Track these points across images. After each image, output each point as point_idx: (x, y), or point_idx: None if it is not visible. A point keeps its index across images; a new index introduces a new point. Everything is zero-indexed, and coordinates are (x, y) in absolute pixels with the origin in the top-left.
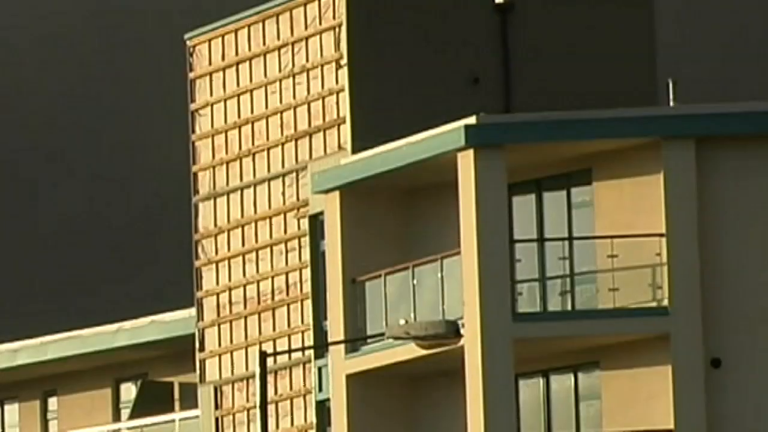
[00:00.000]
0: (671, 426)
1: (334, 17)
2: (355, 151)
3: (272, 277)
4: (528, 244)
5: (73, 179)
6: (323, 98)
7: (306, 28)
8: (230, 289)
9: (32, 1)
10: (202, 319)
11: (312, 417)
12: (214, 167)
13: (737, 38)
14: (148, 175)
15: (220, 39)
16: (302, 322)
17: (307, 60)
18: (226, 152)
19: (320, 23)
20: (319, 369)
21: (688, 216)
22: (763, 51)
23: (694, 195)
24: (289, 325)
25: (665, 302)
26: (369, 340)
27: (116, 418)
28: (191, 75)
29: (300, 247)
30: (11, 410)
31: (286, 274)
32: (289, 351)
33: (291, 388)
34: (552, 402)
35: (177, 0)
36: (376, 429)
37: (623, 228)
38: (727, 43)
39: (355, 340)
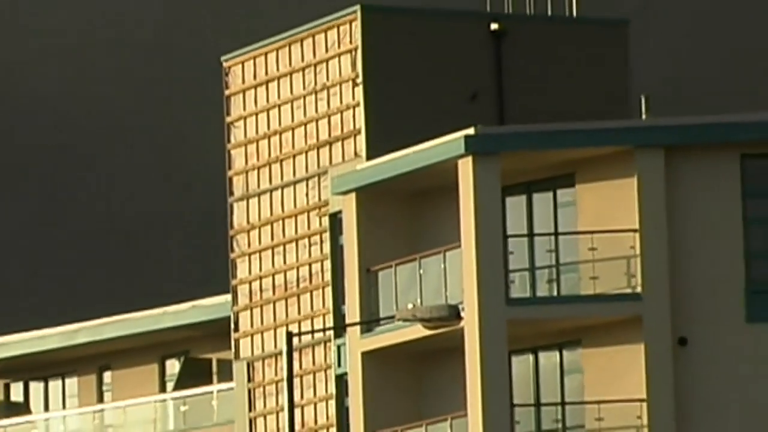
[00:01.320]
0: (644, 396)
1: (350, 42)
2: (369, 157)
3: (297, 268)
4: (519, 239)
5: (128, 184)
6: (341, 112)
7: (326, 51)
8: (261, 278)
9: (101, 28)
10: (237, 304)
11: (332, 389)
12: (246, 172)
13: (700, 59)
14: (188, 180)
15: (252, 61)
16: (323, 306)
17: (328, 79)
18: (257, 159)
19: (339, 47)
20: (338, 347)
21: (658, 214)
22: (723, 71)
23: (663, 196)
24: (312, 308)
25: (638, 289)
26: (381, 322)
27: (162, 389)
28: (227, 92)
29: (321, 241)
30: (71, 383)
31: (309, 264)
32: (312, 331)
33: (314, 364)
34: (540, 375)
35: (215, 25)
36: (387, 399)
37: (602, 224)
38: (691, 63)
39: (369, 322)
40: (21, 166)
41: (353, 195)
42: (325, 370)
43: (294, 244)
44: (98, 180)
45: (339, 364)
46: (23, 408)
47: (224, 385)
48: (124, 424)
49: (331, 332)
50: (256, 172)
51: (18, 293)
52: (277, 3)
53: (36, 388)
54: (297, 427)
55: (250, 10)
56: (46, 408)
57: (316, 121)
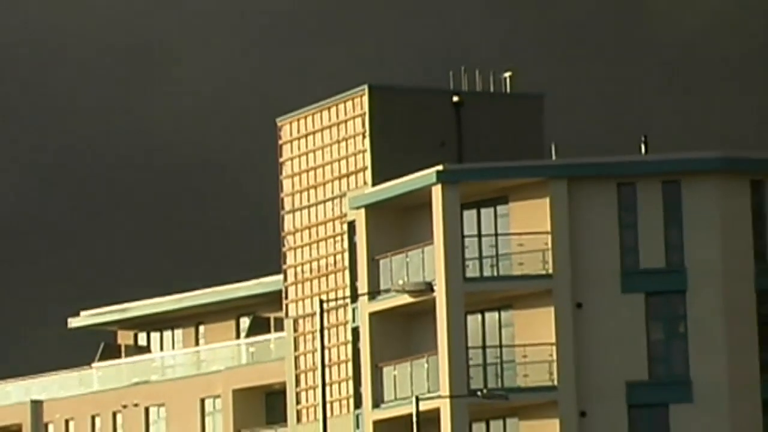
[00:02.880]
0: (553, 341)
1: (361, 109)
2: (373, 185)
3: (326, 257)
4: (472, 238)
5: (219, 203)
6: (354, 155)
7: (345, 114)
8: (302, 264)
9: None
10: (287, 281)
11: (349, 336)
12: (293, 194)
13: (593, 119)
14: (256, 199)
15: (297, 121)
16: (343, 282)
17: (346, 133)
18: (300, 186)
19: (353, 112)
20: (353, 309)
21: (563, 223)
22: (608, 124)
23: (566, 211)
24: (335, 284)
25: (550, 271)
26: (382, 293)
27: (237, 337)
28: (280, 142)
29: (342, 240)
30: (178, 333)
31: (334, 255)
32: (336, 299)
33: (337, 320)
34: (486, 328)
35: (273, 95)
36: (385, 343)
37: (526, 228)
38: (586, 122)
39: (373, 293)
40: (155, 190)
41: (363, 210)
42: (344, 324)
43: (324, 241)
44: (200, 201)
45: (353, 320)
46: (146, 350)
47: (278, 335)
48: (213, 360)
49: (348, 299)
50: (299, 194)
51: (144, 275)
52: (313, 80)
53: (154, 336)
54: (326, 361)
55: (297, 83)
56: (161, 349)
57: (338, 161)
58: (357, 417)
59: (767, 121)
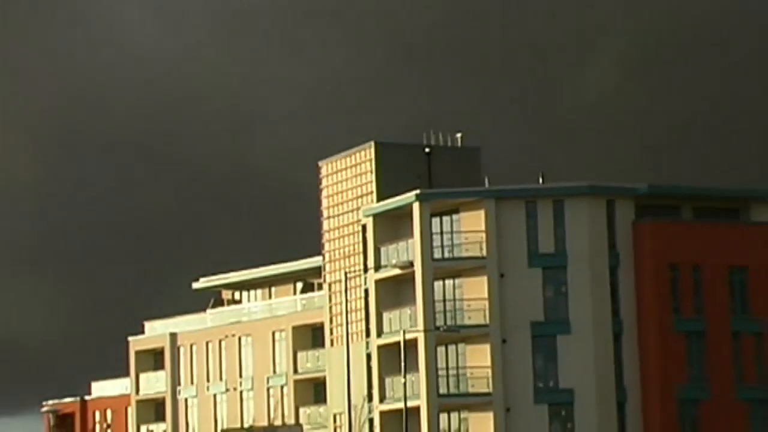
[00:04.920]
0: (486, 297)
1: (368, 156)
2: (377, 202)
3: (349, 246)
4: (437, 234)
5: (285, 213)
6: (365, 184)
7: (359, 159)
8: (334, 250)
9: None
10: (325, 260)
11: (362, 294)
12: (329, 207)
13: (511, 161)
14: (309, 211)
15: (331, 163)
16: (359, 261)
17: (360, 170)
18: (333, 202)
19: (365, 157)
20: (365, 278)
21: (492, 225)
22: (520, 165)
23: (494, 218)
24: (354, 262)
25: (485, 254)
26: (382, 267)
27: (294, 294)
28: (320, 176)
29: (358, 235)
30: (259, 293)
31: (353, 244)
32: (354, 271)
33: (355, 284)
34: (446, 289)
35: (317, 148)
36: (385, 298)
37: (470, 229)
38: (507, 164)
39: (377, 268)
40: (247, 201)
41: (371, 217)
42: (360, 287)
43: (347, 236)
44: (274, 211)
45: (365, 284)
46: (239, 302)
47: (320, 293)
48: (279, 308)
49: (362, 271)
50: (332, 207)
51: (239, 256)
52: (340, 137)
53: (245, 294)
54: (348, 309)
55: (331, 139)
56: (249, 301)
57: (355, 187)
58: (367, 343)
59: (623, 160)
